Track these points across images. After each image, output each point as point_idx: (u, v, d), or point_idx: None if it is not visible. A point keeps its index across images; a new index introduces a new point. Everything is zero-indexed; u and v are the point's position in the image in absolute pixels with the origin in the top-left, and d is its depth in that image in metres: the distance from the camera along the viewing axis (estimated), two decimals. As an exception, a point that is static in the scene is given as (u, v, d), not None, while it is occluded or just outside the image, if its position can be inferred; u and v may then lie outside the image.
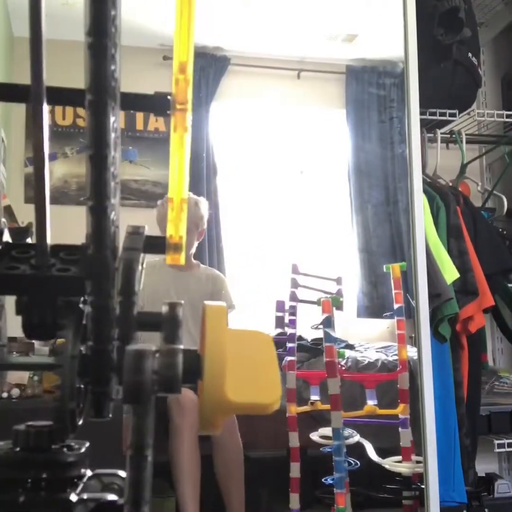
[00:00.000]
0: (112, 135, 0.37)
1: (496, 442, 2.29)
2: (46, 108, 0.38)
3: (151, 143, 3.08)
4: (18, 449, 0.40)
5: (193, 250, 2.58)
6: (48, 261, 0.40)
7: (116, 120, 0.38)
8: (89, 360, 0.39)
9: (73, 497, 0.39)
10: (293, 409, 2.15)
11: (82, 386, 0.40)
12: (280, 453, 2.37)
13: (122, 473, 0.41)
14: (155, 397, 0.35)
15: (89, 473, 0.43)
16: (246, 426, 2.26)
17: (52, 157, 2.93)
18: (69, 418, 0.38)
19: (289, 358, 2.19)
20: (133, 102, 0.42)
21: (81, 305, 0.40)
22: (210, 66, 3.20)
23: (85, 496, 0.40)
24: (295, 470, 2.15)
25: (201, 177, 3.10)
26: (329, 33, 3.17)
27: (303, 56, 3.29)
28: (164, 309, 0.38)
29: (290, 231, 3.24)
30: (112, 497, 0.41)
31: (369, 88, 3.36)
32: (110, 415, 0.40)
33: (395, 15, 2.00)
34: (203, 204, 2.55)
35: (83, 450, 0.41)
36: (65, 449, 0.41)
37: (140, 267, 0.40)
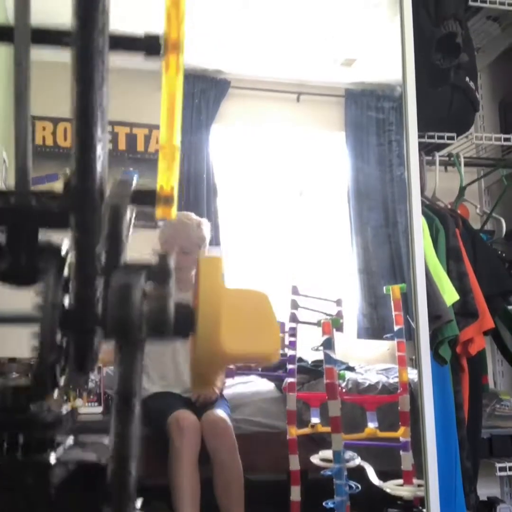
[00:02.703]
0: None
1: (498, 465, 2.27)
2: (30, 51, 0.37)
3: (152, 164, 3.08)
4: None
5: (195, 271, 2.58)
6: (29, 193, 0.38)
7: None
8: (72, 311, 0.36)
9: (52, 459, 0.37)
10: (294, 432, 2.14)
11: (64, 343, 0.37)
12: (280, 476, 2.34)
13: (106, 441, 0.38)
14: (144, 342, 0.32)
15: (70, 441, 0.40)
16: (246, 448, 2.25)
17: (54, 178, 2.95)
18: (49, 374, 0.35)
19: (289, 379, 2.18)
20: (124, 44, 0.39)
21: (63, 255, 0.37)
22: (211, 89, 3.23)
23: (64, 457, 0.38)
24: (295, 493, 2.13)
25: (202, 198, 3.12)
26: (328, 57, 3.20)
27: (303, 79, 3.32)
28: (154, 259, 0.36)
29: (290, 252, 3.24)
30: (94, 458, 0.39)
31: (368, 112, 3.39)
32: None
33: (393, 40, 2.03)
34: (205, 226, 2.55)
35: (64, 412, 0.38)
36: (44, 410, 0.38)
37: (128, 216, 0.37)
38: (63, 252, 0.38)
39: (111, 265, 0.34)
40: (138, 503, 0.33)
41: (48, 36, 0.39)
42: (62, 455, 0.38)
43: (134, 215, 0.40)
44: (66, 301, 0.37)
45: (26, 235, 0.38)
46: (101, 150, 0.36)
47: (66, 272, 0.38)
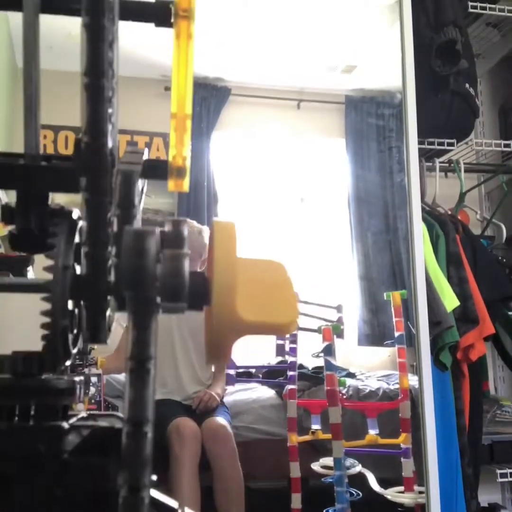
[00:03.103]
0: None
1: (499, 471, 2.27)
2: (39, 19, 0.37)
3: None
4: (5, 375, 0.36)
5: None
6: (38, 155, 0.37)
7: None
8: (84, 277, 0.35)
9: (65, 424, 0.36)
10: (294, 439, 2.13)
11: (76, 311, 0.36)
12: (281, 484, 2.34)
13: (121, 414, 0.37)
14: (157, 307, 0.31)
15: (83, 413, 0.39)
16: (247, 456, 2.24)
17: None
18: (61, 342, 0.35)
19: (290, 386, 2.17)
20: (133, 12, 0.38)
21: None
22: (212, 97, 3.24)
23: (77, 423, 0.37)
24: (296, 501, 2.12)
25: (202, 205, 3.12)
26: (328, 64, 3.21)
27: (303, 86, 3.33)
28: (167, 226, 0.34)
29: (291, 258, 3.25)
30: (107, 424, 0.38)
31: (368, 118, 3.40)
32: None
33: (393, 46, 2.04)
34: (206, 233, 2.55)
35: (77, 379, 0.37)
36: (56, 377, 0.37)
37: (140, 184, 0.36)
38: (74, 216, 0.37)
39: (123, 233, 0.33)
40: (153, 477, 0.32)
41: (57, 4, 0.39)
42: (75, 422, 0.37)
43: (145, 185, 0.39)
44: (78, 270, 0.37)
45: (36, 197, 0.37)
46: (111, 109, 0.35)
47: (77, 239, 0.37)
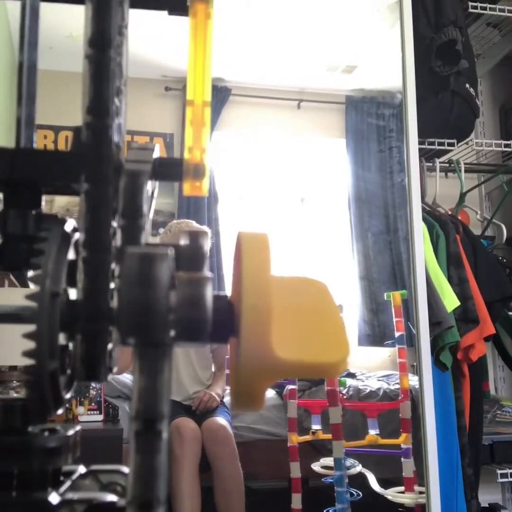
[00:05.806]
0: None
1: (499, 472, 2.27)
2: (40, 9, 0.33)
3: (153, 172, 3.10)
4: None
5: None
6: (32, 139, 0.32)
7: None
8: (79, 304, 0.28)
9: (54, 498, 0.28)
10: (295, 439, 2.13)
11: (69, 346, 0.29)
12: (281, 484, 2.34)
13: (127, 470, 0.29)
14: (171, 345, 0.25)
15: (82, 469, 0.32)
16: (247, 456, 2.24)
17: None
18: (50, 386, 0.27)
19: (290, 386, 2.17)
20: (147, 0, 0.35)
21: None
22: (212, 97, 3.23)
23: (71, 496, 0.29)
24: (296, 501, 2.12)
25: (203, 205, 3.12)
26: (328, 64, 3.21)
27: (303, 86, 3.33)
28: (184, 240, 0.28)
29: (291, 258, 3.24)
30: (109, 497, 0.30)
31: (368, 118, 3.40)
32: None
33: (393, 47, 2.04)
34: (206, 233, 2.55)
35: (70, 433, 0.30)
36: (45, 433, 0.29)
37: (149, 187, 0.30)
38: (68, 228, 0.30)
39: (125, 254, 0.27)
40: None
41: None
42: (68, 490, 0.30)
43: (156, 189, 0.33)
44: (73, 293, 0.30)
45: (25, 194, 0.31)
46: (118, 102, 0.30)
47: (72, 255, 0.30)
